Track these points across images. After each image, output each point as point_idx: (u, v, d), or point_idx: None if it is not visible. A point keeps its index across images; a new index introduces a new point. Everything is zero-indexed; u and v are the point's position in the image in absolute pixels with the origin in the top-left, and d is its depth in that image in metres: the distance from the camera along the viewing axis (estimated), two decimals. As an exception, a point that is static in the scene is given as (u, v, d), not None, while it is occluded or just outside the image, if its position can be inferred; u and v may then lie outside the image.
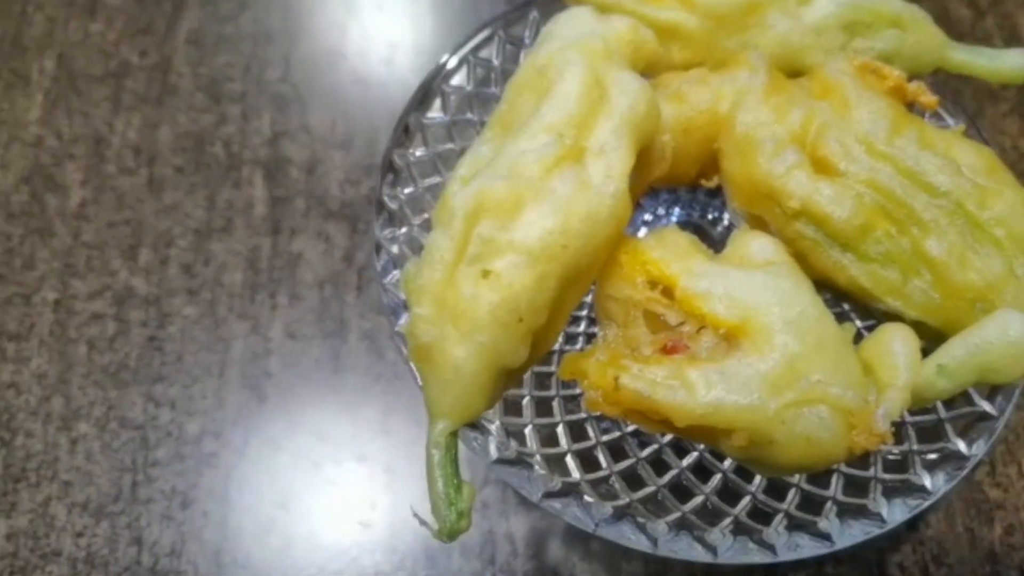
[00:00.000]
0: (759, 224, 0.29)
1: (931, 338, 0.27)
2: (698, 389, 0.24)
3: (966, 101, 0.53)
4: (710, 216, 0.40)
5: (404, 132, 0.36)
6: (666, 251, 0.27)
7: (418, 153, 0.36)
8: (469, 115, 0.38)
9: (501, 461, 0.29)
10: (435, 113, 0.37)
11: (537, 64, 0.29)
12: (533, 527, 0.39)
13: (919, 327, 0.27)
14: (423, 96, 0.37)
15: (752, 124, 0.29)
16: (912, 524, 0.40)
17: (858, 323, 0.33)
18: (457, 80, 0.37)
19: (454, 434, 0.26)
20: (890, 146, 0.28)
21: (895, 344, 0.25)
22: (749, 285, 0.25)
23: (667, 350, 0.25)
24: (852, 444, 0.24)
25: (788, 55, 0.32)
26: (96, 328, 0.44)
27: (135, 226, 0.47)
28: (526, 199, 0.25)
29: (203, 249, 0.46)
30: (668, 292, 0.26)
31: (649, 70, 0.32)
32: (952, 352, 0.25)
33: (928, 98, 0.31)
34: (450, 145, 0.37)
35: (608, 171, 0.26)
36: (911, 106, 0.32)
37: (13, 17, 0.53)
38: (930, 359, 0.26)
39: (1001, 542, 0.40)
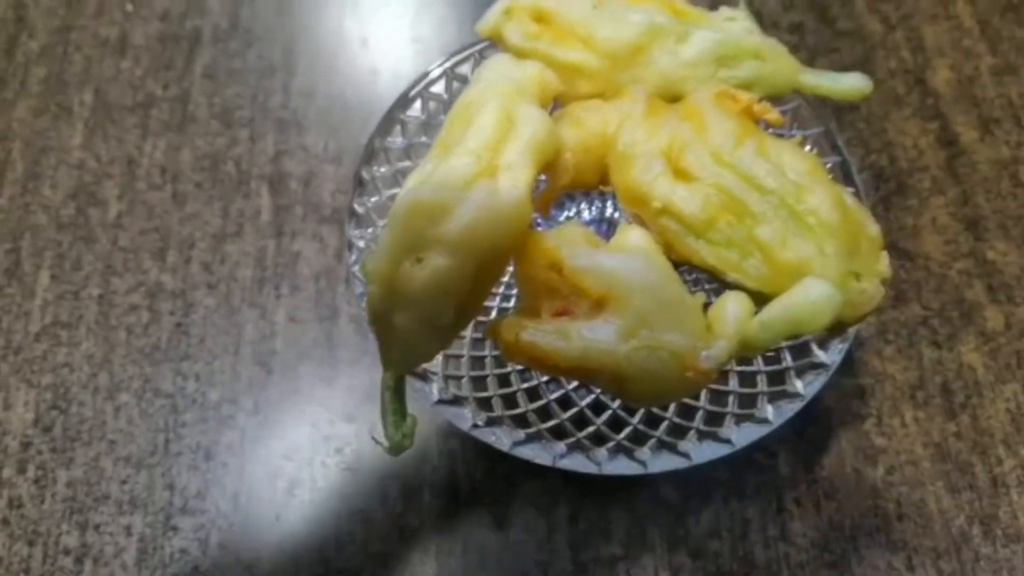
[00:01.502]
0: (639, 220, 0.36)
1: (767, 304, 0.34)
2: (573, 339, 0.31)
3: (874, 106, 0.60)
4: (618, 213, 0.47)
5: (371, 153, 0.42)
6: (560, 240, 0.33)
7: (382, 170, 0.41)
8: (424, 139, 0.43)
9: (441, 401, 0.37)
10: (396, 137, 0.42)
11: (466, 101, 0.35)
12: (490, 469, 0.46)
13: (757, 296, 0.33)
14: (387, 124, 0.42)
15: (630, 143, 0.34)
16: (808, 467, 0.46)
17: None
18: (414, 111, 0.43)
19: (401, 378, 0.34)
20: (733, 156, 0.34)
21: (729, 306, 0.32)
22: (613, 264, 0.32)
23: (558, 313, 0.32)
24: (687, 380, 0.31)
25: (669, 85, 0.37)
26: (133, 317, 0.50)
27: (163, 233, 0.52)
28: (450, 204, 0.31)
29: (219, 250, 0.52)
30: (560, 270, 0.34)
31: (562, 100, 0.40)
32: (770, 311, 0.31)
33: (773, 115, 0.36)
34: (408, 163, 0.42)
35: (514, 183, 0.33)
36: (767, 124, 0.39)
37: (56, 58, 0.60)
38: (755, 318, 0.32)
39: (883, 480, 0.45)
